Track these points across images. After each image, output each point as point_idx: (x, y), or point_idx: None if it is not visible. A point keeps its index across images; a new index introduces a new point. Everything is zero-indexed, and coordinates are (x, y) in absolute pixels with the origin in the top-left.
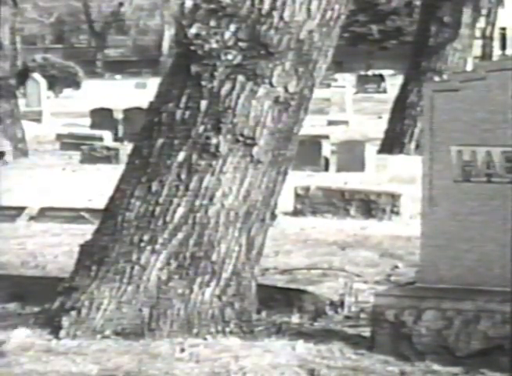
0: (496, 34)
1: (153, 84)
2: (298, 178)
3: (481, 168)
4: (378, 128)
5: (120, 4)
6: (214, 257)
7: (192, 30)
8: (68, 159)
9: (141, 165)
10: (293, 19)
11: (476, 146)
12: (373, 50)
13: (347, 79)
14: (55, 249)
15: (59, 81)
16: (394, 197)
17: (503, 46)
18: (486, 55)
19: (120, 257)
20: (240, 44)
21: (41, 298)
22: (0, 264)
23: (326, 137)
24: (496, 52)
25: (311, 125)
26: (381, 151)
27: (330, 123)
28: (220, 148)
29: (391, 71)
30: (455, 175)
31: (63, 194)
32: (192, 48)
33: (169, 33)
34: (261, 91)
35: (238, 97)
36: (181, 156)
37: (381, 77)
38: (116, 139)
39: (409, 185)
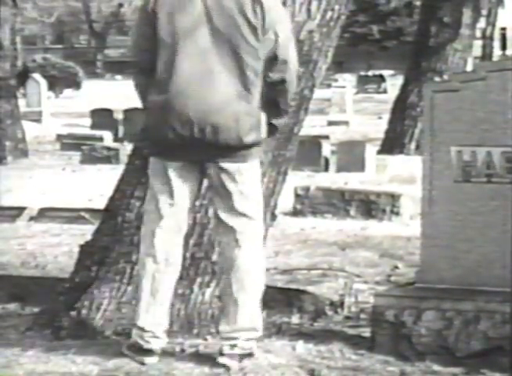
0: (497, 35)
1: None
2: (298, 179)
3: (481, 168)
4: (378, 128)
5: (120, 5)
6: (214, 257)
7: None
8: (68, 159)
9: (141, 166)
10: (294, 20)
11: (476, 146)
12: (373, 50)
13: (347, 79)
14: (55, 249)
15: (60, 81)
16: (394, 198)
17: (504, 46)
18: (486, 55)
19: (120, 257)
20: None
21: (41, 299)
22: (0, 264)
23: (326, 137)
24: (497, 52)
25: (311, 126)
26: (381, 151)
27: (330, 123)
28: None
29: (391, 71)
30: (455, 175)
31: (62, 194)
32: None
33: None
34: None
35: None
36: None
37: (381, 78)
38: (116, 139)
39: (409, 185)
